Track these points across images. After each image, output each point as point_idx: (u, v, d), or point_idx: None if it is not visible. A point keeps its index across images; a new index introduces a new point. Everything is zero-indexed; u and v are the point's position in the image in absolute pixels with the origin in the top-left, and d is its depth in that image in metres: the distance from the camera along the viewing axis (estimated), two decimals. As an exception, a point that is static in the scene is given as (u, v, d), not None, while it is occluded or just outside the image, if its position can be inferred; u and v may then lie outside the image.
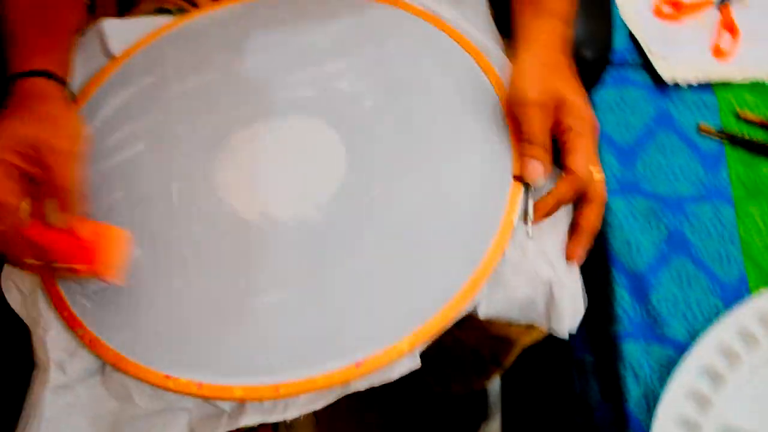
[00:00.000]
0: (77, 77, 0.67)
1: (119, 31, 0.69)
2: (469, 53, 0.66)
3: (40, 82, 0.60)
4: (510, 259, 0.55)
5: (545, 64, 0.59)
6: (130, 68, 0.68)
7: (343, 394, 0.53)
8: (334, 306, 0.54)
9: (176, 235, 0.59)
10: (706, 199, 0.66)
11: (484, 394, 1.06)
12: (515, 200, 0.57)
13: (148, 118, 0.65)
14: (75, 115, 0.60)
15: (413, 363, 0.53)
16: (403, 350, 0.52)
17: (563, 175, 0.56)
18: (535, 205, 0.57)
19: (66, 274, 0.54)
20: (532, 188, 0.57)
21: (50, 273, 0.55)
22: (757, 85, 0.73)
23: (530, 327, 0.75)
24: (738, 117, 0.71)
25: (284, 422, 0.53)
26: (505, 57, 0.66)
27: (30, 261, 0.53)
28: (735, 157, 0.69)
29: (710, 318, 0.59)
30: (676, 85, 0.73)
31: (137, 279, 0.56)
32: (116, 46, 0.69)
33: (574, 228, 0.57)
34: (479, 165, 0.60)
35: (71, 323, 0.55)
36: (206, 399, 0.53)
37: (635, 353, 0.59)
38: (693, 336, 0.58)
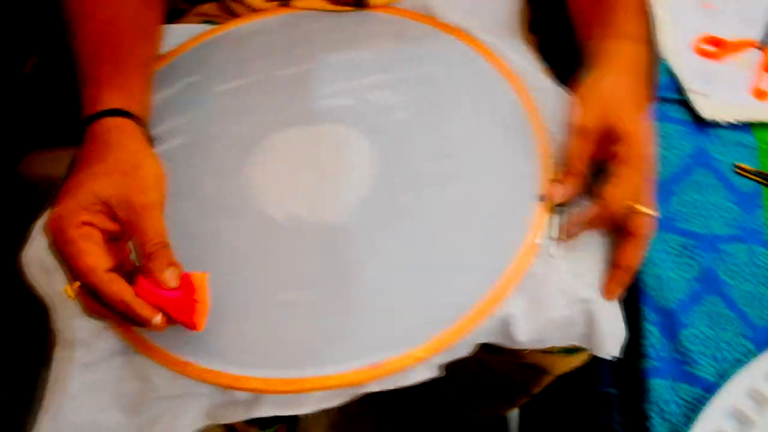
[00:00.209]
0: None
1: (166, 35, 0.71)
2: (504, 76, 0.67)
3: (114, 123, 0.56)
4: (545, 279, 0.56)
5: (609, 89, 0.58)
6: (174, 67, 0.71)
7: (357, 395, 0.54)
8: (354, 308, 0.56)
9: (203, 228, 0.60)
10: (740, 239, 0.65)
11: (503, 419, 1.05)
12: (540, 219, 0.58)
13: (187, 115, 0.67)
14: (153, 160, 0.56)
15: (430, 372, 0.54)
16: (418, 357, 0.53)
17: (595, 200, 0.56)
18: (560, 226, 0.57)
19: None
20: (566, 211, 0.58)
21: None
22: (797, 129, 0.72)
23: (566, 356, 0.75)
24: (776, 159, 0.71)
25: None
26: (545, 80, 0.67)
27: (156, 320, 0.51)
28: (772, 199, 0.68)
29: (740, 360, 0.59)
30: (715, 123, 0.72)
31: None
32: (162, 47, 0.70)
33: (611, 262, 0.57)
34: (507, 182, 0.61)
35: None
36: (223, 387, 0.54)
37: (662, 390, 0.58)
38: (722, 377, 0.57)
